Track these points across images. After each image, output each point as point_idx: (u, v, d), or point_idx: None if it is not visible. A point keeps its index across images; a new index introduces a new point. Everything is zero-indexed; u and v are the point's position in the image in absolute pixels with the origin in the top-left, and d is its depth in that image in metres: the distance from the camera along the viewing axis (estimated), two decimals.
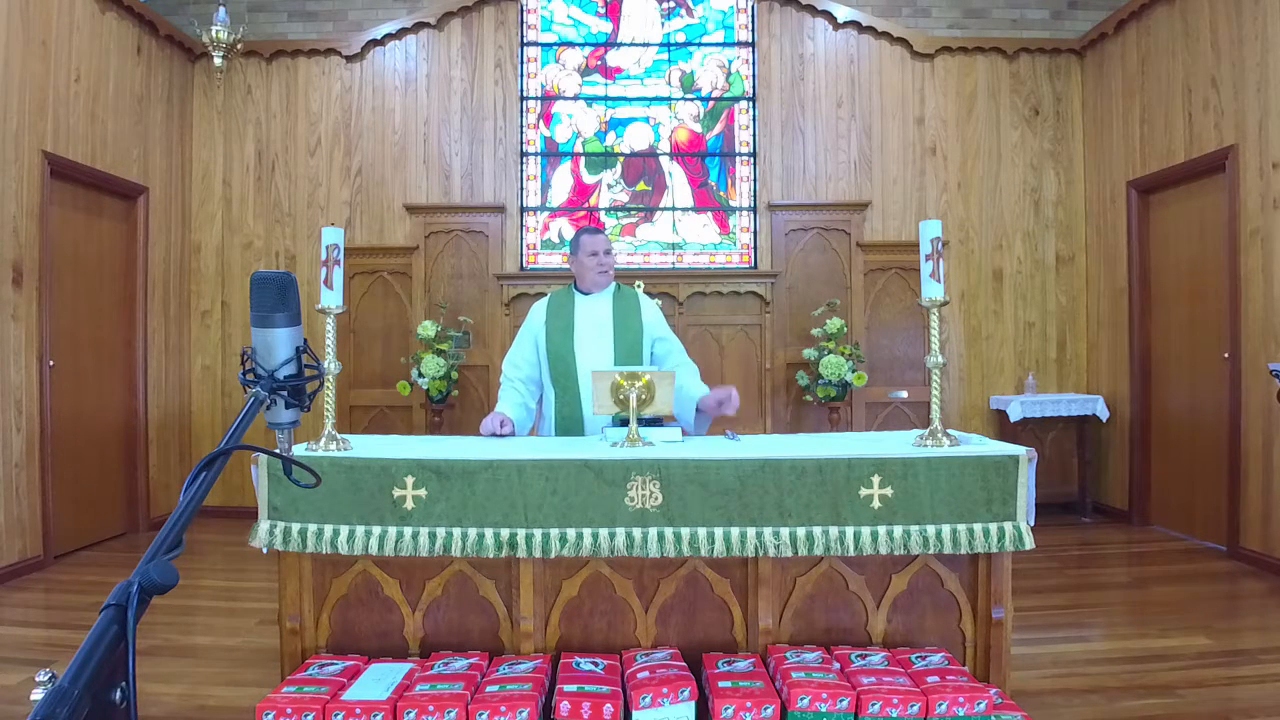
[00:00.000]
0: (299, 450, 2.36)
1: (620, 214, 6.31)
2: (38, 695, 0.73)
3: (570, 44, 6.34)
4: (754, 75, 6.28)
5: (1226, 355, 4.76)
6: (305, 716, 1.93)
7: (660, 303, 3.36)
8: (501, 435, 2.82)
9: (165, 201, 5.87)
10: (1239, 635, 3.53)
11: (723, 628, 2.37)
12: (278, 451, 1.29)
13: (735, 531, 2.22)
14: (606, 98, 6.32)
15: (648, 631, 2.37)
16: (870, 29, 6.19)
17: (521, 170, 6.25)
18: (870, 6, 6.20)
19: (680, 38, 6.35)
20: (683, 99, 6.32)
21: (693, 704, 2.02)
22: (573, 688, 2.01)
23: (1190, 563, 4.64)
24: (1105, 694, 2.82)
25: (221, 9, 5.49)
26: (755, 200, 6.25)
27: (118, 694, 0.79)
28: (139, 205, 5.57)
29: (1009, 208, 6.21)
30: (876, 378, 6.04)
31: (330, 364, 2.37)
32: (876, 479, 2.23)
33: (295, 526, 2.24)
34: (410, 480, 2.24)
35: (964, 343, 6.20)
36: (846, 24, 6.20)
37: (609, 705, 1.94)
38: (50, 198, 4.68)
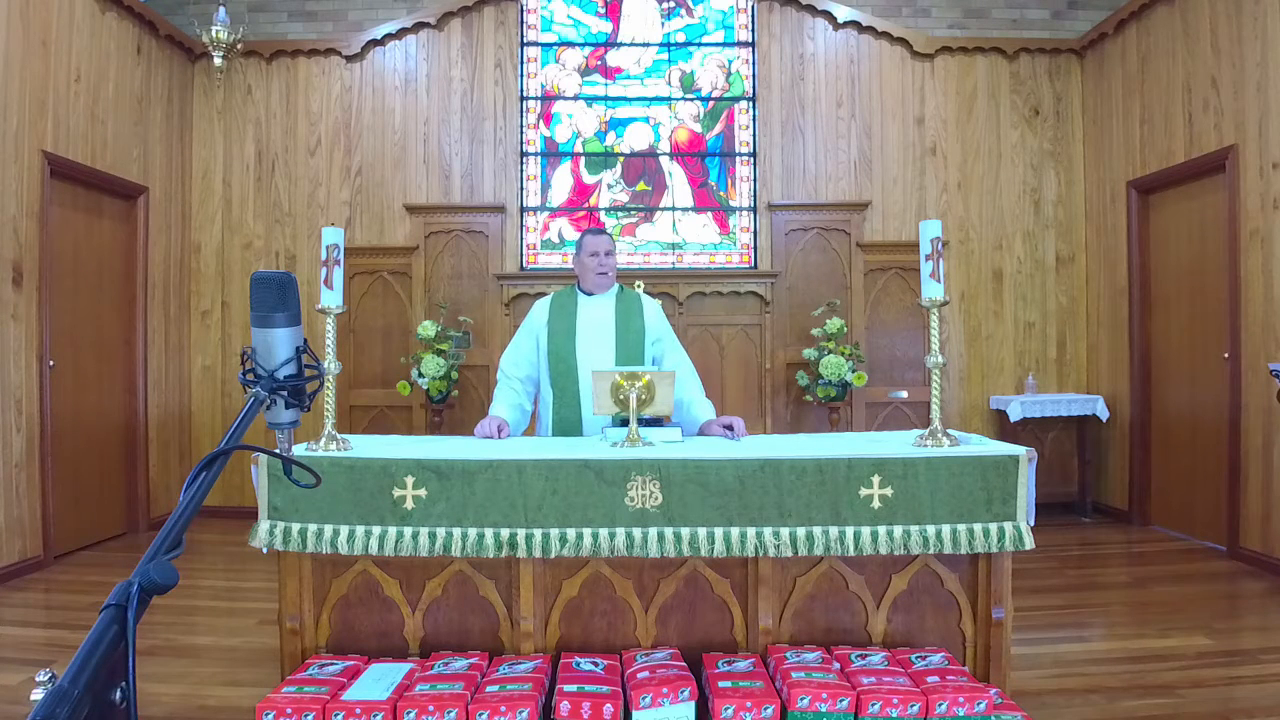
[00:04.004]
0: (299, 450, 2.36)
1: (620, 214, 6.31)
2: (38, 695, 0.73)
3: (570, 44, 6.34)
4: (754, 75, 6.28)
5: (1226, 355, 4.76)
6: (305, 716, 1.93)
7: (661, 303, 3.35)
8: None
9: (165, 201, 5.87)
10: (1239, 635, 3.53)
11: (723, 628, 2.37)
12: (278, 451, 1.29)
13: (735, 531, 2.22)
14: (606, 98, 6.32)
15: (648, 631, 2.37)
16: (870, 29, 6.19)
17: (521, 170, 6.25)
18: (870, 6, 6.20)
19: (680, 38, 6.35)
20: (683, 99, 6.32)
21: (693, 704, 2.02)
22: (573, 688, 2.01)
23: (1190, 563, 4.64)
24: (1105, 694, 2.82)
25: (221, 9, 5.49)
26: (755, 200, 6.25)
27: (118, 694, 0.79)
28: (139, 205, 5.57)
29: (1009, 208, 6.21)
30: (876, 378, 6.04)
31: (330, 364, 2.37)
32: (876, 479, 2.23)
33: (295, 526, 2.24)
34: (410, 480, 2.24)
35: (964, 343, 6.20)
36: (846, 24, 6.20)
37: (609, 705, 1.94)
38: (50, 198, 4.68)
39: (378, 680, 2.09)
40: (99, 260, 5.26)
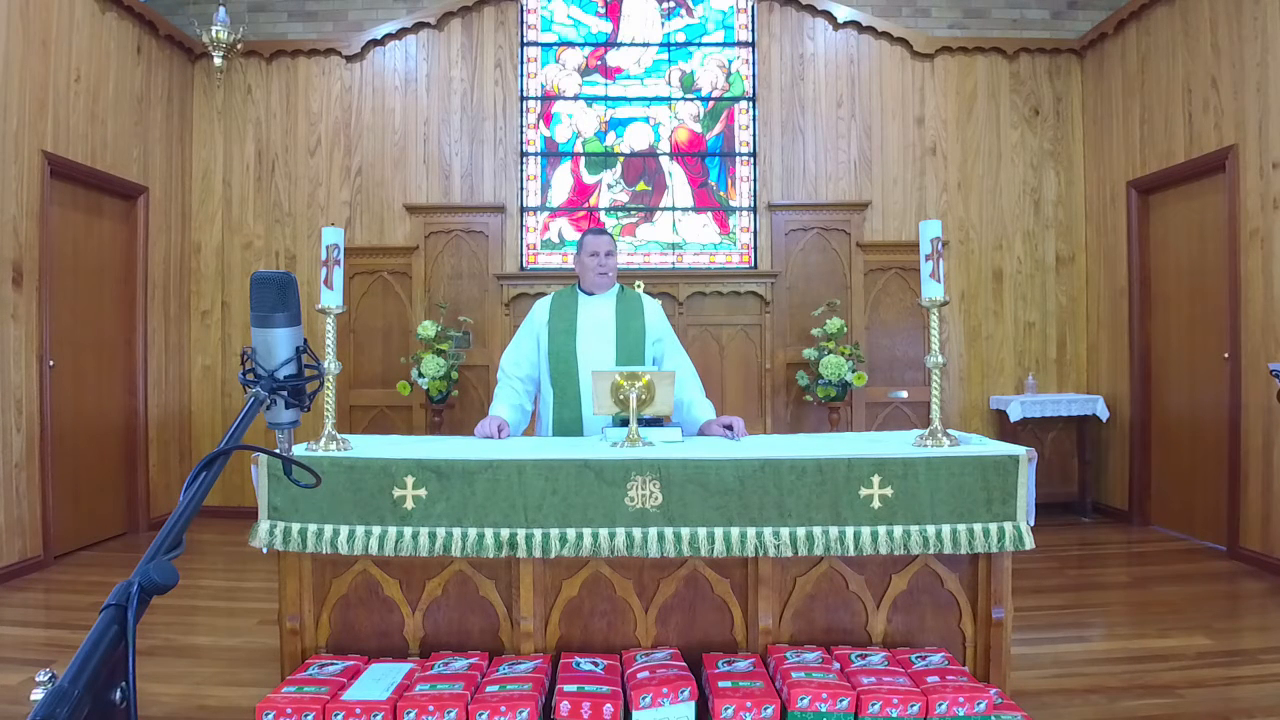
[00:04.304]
0: (299, 450, 2.36)
1: (620, 214, 6.31)
2: (38, 695, 0.73)
3: (570, 44, 6.34)
4: (754, 75, 6.28)
5: (1226, 355, 4.76)
6: (305, 716, 1.93)
7: (661, 303, 3.35)
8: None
9: (165, 201, 5.87)
10: (1239, 635, 3.53)
11: (723, 628, 2.37)
12: (278, 451, 1.29)
13: (735, 531, 2.22)
14: (606, 98, 6.32)
15: (648, 631, 2.37)
16: (870, 29, 6.19)
17: (521, 170, 6.25)
18: (870, 6, 6.20)
19: (680, 38, 6.35)
20: (683, 99, 6.32)
21: (693, 704, 2.02)
22: (573, 688, 2.01)
23: (1190, 563, 4.64)
24: (1105, 694, 2.82)
25: (221, 9, 5.49)
26: (755, 200, 6.25)
27: (118, 694, 0.79)
28: (139, 205, 5.57)
29: (1009, 208, 6.21)
30: (876, 378, 6.04)
31: (330, 364, 2.37)
32: (876, 479, 2.23)
33: (295, 526, 2.24)
34: (410, 480, 2.24)
35: (964, 343, 6.20)
36: (846, 24, 6.20)
37: (609, 705, 1.94)
38: (50, 198, 4.68)
39: (378, 680, 2.09)
40: (99, 260, 5.26)
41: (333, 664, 2.21)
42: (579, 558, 2.27)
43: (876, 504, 2.23)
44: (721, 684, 2.05)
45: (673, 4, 6.36)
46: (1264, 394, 4.41)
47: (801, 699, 1.96)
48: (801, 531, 2.22)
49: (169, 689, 2.89)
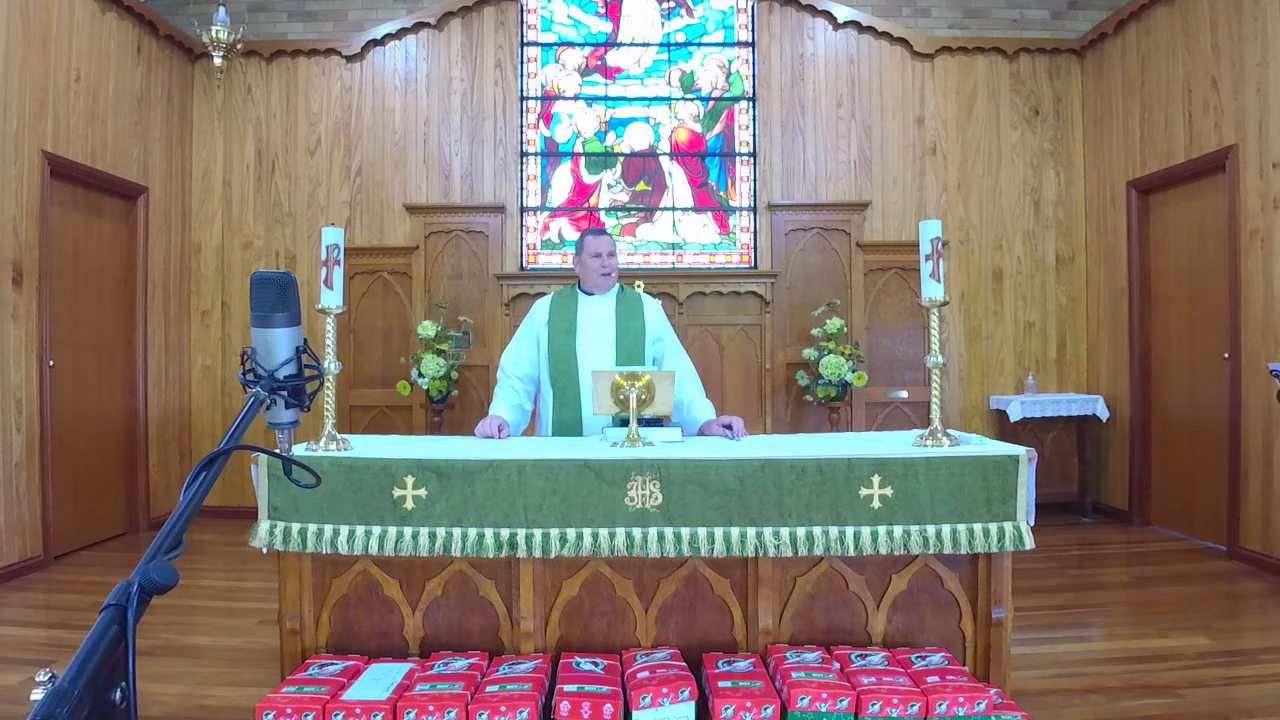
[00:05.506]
0: (299, 450, 2.36)
1: (620, 214, 6.31)
2: (38, 695, 0.73)
3: (570, 44, 6.34)
4: (754, 75, 6.28)
5: (1226, 355, 4.76)
6: (305, 716, 1.93)
7: (661, 303, 3.35)
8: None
9: (165, 201, 5.87)
10: (1239, 635, 3.53)
11: (723, 628, 2.37)
12: (278, 451, 1.29)
13: (735, 531, 2.22)
14: (606, 98, 6.32)
15: (648, 631, 2.37)
16: (870, 29, 6.19)
17: (521, 170, 6.25)
18: (870, 6, 6.20)
19: (680, 38, 6.35)
20: (683, 99, 6.32)
21: (693, 704, 2.02)
22: (573, 688, 2.01)
23: (1190, 563, 4.64)
24: (1105, 694, 2.82)
25: (221, 9, 5.49)
26: (755, 200, 6.25)
27: (118, 694, 0.79)
28: (139, 205, 5.57)
29: (1009, 208, 6.21)
30: (876, 378, 6.04)
31: (330, 364, 2.37)
32: (876, 479, 2.23)
33: (295, 526, 2.24)
34: (410, 480, 2.24)
35: (964, 343, 6.20)
36: (846, 24, 6.20)
37: (609, 705, 1.94)
38: (50, 198, 4.68)
39: (378, 680, 2.09)
40: (99, 260, 5.26)
41: (333, 664, 2.21)
42: (579, 558, 2.27)
43: (876, 504, 2.23)
44: (721, 684, 2.05)
45: (673, 4, 6.36)
46: (1264, 394, 4.41)
47: (801, 699, 1.96)
48: (801, 531, 2.22)
49: (169, 689, 2.89)
